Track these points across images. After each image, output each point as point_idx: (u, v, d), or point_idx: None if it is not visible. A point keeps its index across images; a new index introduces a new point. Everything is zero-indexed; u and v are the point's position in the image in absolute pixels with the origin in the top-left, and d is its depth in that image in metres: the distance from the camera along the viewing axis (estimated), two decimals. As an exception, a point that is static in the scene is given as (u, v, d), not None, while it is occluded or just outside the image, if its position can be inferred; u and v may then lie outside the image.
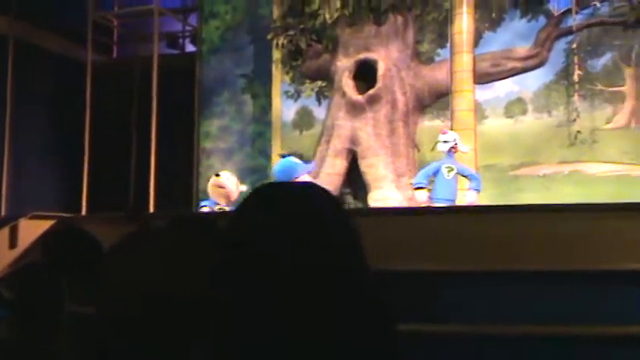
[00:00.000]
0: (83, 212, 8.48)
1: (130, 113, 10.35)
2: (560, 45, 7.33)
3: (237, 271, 0.79)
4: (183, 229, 1.00)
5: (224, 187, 5.19)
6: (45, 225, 4.06)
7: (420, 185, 5.81)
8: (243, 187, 5.44)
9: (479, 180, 5.86)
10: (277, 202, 0.83)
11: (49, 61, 9.84)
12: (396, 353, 0.80)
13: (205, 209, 5.45)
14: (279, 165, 4.80)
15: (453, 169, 5.73)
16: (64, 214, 4.61)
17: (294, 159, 4.69)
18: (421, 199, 5.79)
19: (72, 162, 9.29)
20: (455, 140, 5.77)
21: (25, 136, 9.51)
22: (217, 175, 5.42)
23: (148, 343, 0.90)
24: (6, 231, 3.98)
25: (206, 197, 6.26)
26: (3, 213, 8.87)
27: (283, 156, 4.77)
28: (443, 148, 5.77)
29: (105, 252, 0.95)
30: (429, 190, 5.81)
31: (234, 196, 5.27)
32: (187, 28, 10.77)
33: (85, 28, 9.38)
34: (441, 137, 5.81)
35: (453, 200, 5.70)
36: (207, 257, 0.79)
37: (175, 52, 10.78)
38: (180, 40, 10.94)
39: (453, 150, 5.77)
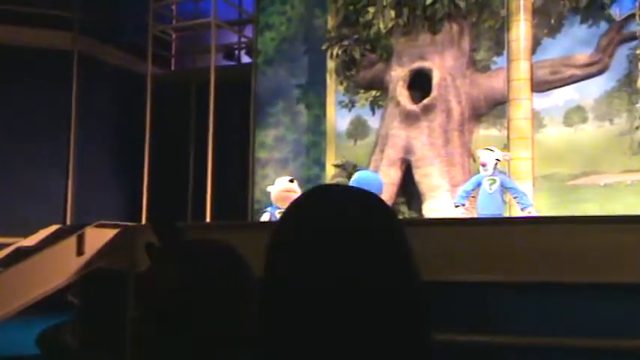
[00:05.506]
0: (143, 221, 8.70)
1: (188, 123, 10.60)
2: (623, 51, 7.09)
3: (279, 278, 0.78)
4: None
5: (297, 192, 5.21)
6: (110, 233, 4.21)
7: (461, 204, 5.69)
8: None
9: (525, 194, 5.64)
10: (325, 208, 0.80)
11: (111, 74, 10.19)
12: None
13: (266, 215, 5.46)
14: (365, 178, 4.90)
15: (495, 182, 5.54)
16: (128, 223, 4.75)
17: (374, 173, 4.62)
18: None
19: (132, 171, 9.56)
20: (495, 159, 5.60)
21: (88, 147, 9.87)
22: (291, 180, 5.42)
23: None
24: (73, 239, 4.14)
25: (262, 206, 6.24)
26: (69, 221, 9.18)
27: (353, 168, 4.76)
28: (487, 173, 5.63)
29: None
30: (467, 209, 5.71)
31: None
32: (243, 39, 10.97)
33: (145, 42, 9.65)
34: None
35: (500, 215, 5.50)
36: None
37: (231, 63, 10.99)
38: (236, 52, 11.15)
39: (496, 164, 5.63)
